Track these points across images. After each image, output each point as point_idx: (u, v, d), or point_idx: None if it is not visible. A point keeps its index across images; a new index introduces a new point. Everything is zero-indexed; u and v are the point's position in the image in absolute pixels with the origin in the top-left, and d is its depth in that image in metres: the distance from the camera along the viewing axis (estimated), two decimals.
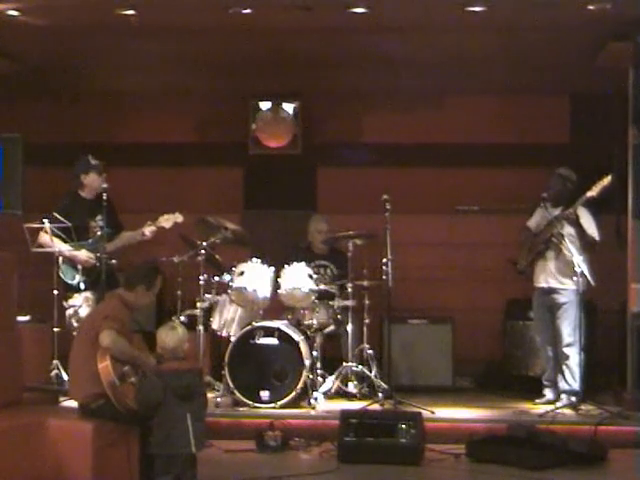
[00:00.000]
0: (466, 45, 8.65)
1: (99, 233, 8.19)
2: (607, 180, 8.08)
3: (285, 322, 8.48)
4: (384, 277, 8.37)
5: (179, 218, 8.36)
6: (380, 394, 8.33)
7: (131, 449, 6.08)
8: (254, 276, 8.43)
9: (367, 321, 8.79)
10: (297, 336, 8.30)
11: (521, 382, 9.18)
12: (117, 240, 8.29)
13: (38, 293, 8.45)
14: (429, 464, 7.06)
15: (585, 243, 8.24)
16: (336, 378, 8.60)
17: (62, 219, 8.05)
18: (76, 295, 8.11)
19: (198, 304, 8.51)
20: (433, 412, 7.83)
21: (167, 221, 8.32)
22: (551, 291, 8.38)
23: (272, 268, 8.53)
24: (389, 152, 10.23)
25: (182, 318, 8.48)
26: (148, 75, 9.69)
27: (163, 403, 5.72)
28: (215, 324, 8.49)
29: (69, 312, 8.12)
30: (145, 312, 7.17)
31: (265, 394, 8.13)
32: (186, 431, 5.71)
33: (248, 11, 7.73)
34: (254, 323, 8.32)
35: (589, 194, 8.14)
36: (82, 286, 8.09)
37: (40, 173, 9.62)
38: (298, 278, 8.52)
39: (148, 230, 8.28)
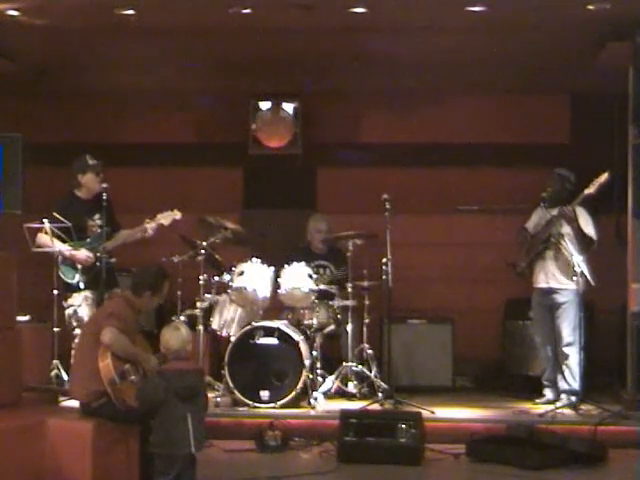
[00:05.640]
0: (466, 45, 8.65)
1: (98, 231, 8.19)
2: (604, 177, 8.08)
3: (285, 322, 8.48)
4: (384, 277, 8.37)
5: (177, 215, 8.32)
6: (380, 394, 8.34)
7: (131, 449, 6.08)
8: (254, 276, 8.43)
9: (367, 321, 8.80)
10: (297, 336, 8.30)
11: (521, 382, 9.18)
12: (115, 238, 8.26)
13: (38, 293, 8.45)
14: (429, 464, 7.07)
15: (582, 242, 8.23)
16: (336, 378, 8.61)
17: (62, 219, 8.04)
18: (75, 294, 8.10)
19: (198, 304, 8.51)
20: (433, 412, 7.83)
21: (165, 218, 8.28)
22: (551, 291, 8.38)
23: (272, 268, 8.53)
24: (389, 152, 10.23)
25: (182, 318, 8.47)
26: (148, 75, 9.69)
27: (164, 403, 5.72)
28: (215, 324, 8.49)
29: (68, 311, 8.11)
30: (146, 312, 7.18)
31: (265, 394, 8.14)
32: (186, 431, 5.71)
33: (248, 11, 7.73)
34: (254, 323, 8.32)
35: (587, 191, 8.15)
36: (82, 285, 8.09)
37: (40, 173, 9.62)
38: (298, 278, 8.53)
39: (150, 226, 8.23)
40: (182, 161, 10.36)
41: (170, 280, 6.59)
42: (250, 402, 8.11)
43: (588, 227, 8.28)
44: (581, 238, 8.24)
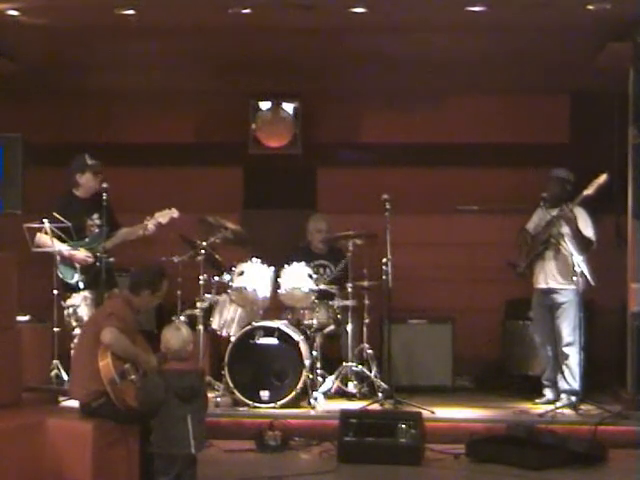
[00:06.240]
0: (466, 45, 8.65)
1: (96, 231, 8.19)
2: (603, 178, 8.08)
3: (285, 322, 8.49)
4: (384, 277, 8.37)
5: (175, 213, 8.31)
6: (380, 394, 8.33)
7: (131, 449, 6.08)
8: (254, 276, 8.43)
9: (367, 321, 8.80)
10: (297, 336, 8.30)
11: (521, 382, 9.19)
12: (115, 237, 8.26)
13: (38, 293, 8.44)
14: (429, 464, 7.06)
15: (581, 243, 8.22)
16: (336, 378, 8.61)
17: (62, 219, 8.04)
18: (74, 294, 8.10)
19: (198, 304, 8.51)
20: (433, 412, 7.84)
21: (163, 216, 8.26)
22: (551, 291, 8.38)
23: (272, 268, 8.53)
24: (389, 152, 10.23)
25: (182, 318, 8.47)
26: (148, 75, 9.69)
27: (165, 403, 5.72)
28: (215, 324, 8.49)
29: (68, 311, 8.11)
30: (145, 312, 7.19)
31: (265, 394, 8.14)
32: (186, 432, 5.71)
33: (248, 11, 7.73)
34: (254, 323, 8.33)
35: (585, 192, 8.14)
36: (81, 285, 8.08)
37: (40, 173, 9.61)
38: (298, 278, 8.53)
39: (151, 223, 8.23)
40: (182, 161, 10.36)
41: (169, 278, 6.59)
42: (250, 402, 8.11)
43: (587, 229, 8.27)
44: (580, 239, 8.23)
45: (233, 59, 9.11)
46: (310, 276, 8.55)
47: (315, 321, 8.59)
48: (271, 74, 9.52)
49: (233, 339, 8.31)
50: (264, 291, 8.44)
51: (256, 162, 10.29)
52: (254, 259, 8.54)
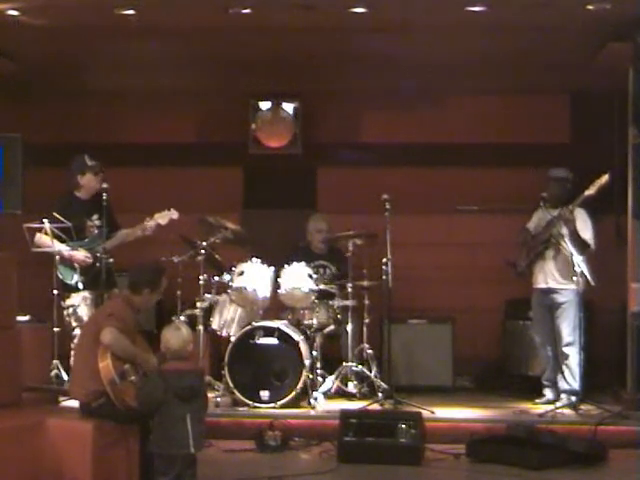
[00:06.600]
0: (466, 45, 8.65)
1: (96, 232, 8.19)
2: (604, 178, 8.07)
3: (285, 322, 8.49)
4: (384, 277, 8.37)
5: (174, 214, 8.32)
6: (380, 394, 8.34)
7: (131, 449, 6.08)
8: (254, 276, 8.43)
9: (367, 321, 8.80)
10: (297, 336, 8.30)
11: (521, 382, 9.19)
12: (114, 238, 8.26)
13: (38, 293, 8.44)
14: (429, 464, 7.06)
15: (579, 245, 8.19)
16: (336, 378, 8.61)
17: (62, 219, 8.04)
18: (74, 295, 8.10)
19: (198, 304, 8.51)
20: (433, 412, 7.84)
21: (163, 218, 8.27)
22: (550, 291, 8.38)
23: (272, 268, 8.53)
24: (389, 152, 10.23)
25: (182, 318, 8.47)
26: (148, 75, 9.69)
27: (164, 403, 5.72)
28: (215, 324, 8.49)
29: (67, 312, 8.12)
30: (145, 312, 7.20)
31: (265, 394, 8.14)
32: (185, 432, 5.71)
33: (248, 11, 7.74)
34: (254, 323, 8.33)
35: (587, 193, 8.13)
36: (80, 286, 8.09)
37: (40, 173, 9.61)
38: (298, 278, 8.53)
39: (149, 225, 8.23)
40: (182, 161, 10.36)
41: (167, 275, 6.59)
42: (250, 402, 8.11)
43: (585, 231, 8.24)
44: (577, 241, 8.20)
45: (233, 59, 9.11)
46: (310, 276, 8.55)
47: (315, 321, 8.59)
48: (271, 74, 9.52)
49: (233, 339, 8.31)
50: (264, 291, 8.44)
51: (256, 162, 10.29)
52: (254, 259, 8.54)
